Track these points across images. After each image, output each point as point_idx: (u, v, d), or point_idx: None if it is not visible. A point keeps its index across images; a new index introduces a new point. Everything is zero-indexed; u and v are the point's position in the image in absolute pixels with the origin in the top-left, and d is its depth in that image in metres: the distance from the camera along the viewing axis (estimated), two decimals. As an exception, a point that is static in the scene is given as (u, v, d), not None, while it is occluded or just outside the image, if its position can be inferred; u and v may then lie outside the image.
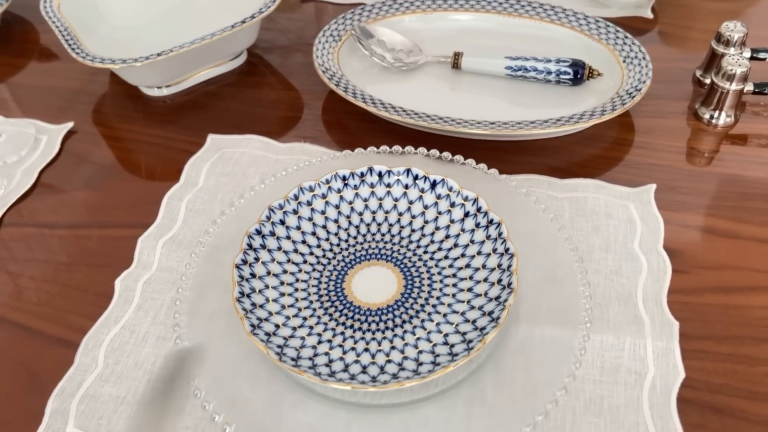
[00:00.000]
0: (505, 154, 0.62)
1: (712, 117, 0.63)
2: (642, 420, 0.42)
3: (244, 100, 0.71)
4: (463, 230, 0.51)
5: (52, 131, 0.66)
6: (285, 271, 0.50)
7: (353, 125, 0.67)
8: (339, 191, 0.54)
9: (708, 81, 0.65)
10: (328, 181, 0.53)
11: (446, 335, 0.46)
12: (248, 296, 0.47)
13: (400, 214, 0.54)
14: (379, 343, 0.46)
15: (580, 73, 0.65)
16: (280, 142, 0.64)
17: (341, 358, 0.45)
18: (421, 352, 0.45)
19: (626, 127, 0.65)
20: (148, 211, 0.57)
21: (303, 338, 0.46)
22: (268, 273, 0.49)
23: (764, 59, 0.65)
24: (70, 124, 0.67)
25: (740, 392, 0.44)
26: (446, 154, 0.56)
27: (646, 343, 0.46)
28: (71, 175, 0.62)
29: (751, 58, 0.64)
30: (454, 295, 0.48)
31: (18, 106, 0.72)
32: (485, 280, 0.48)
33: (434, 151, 0.57)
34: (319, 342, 0.46)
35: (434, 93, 0.68)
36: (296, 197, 0.52)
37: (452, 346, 0.45)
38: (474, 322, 0.46)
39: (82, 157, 0.64)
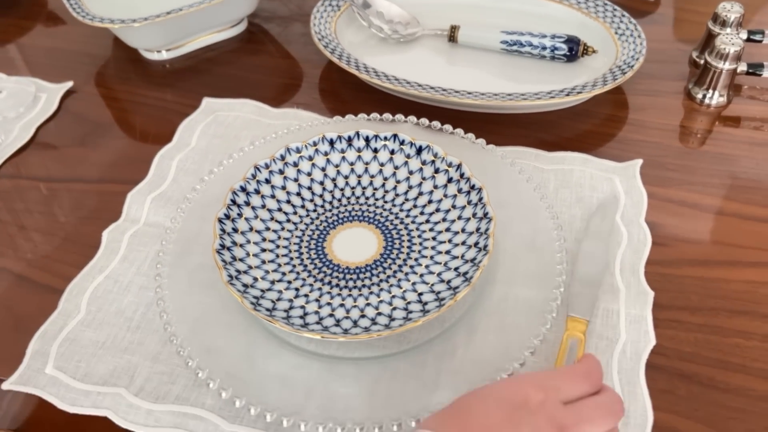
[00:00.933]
0: (497, 127, 0.62)
1: (704, 96, 0.63)
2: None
3: (242, 67, 0.71)
4: (445, 195, 0.52)
5: (51, 90, 0.67)
6: (268, 228, 0.51)
7: (348, 94, 0.67)
8: (326, 154, 0.54)
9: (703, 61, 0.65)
10: (315, 144, 0.54)
11: (421, 294, 0.46)
12: (229, 249, 0.48)
13: (385, 179, 0.54)
14: (355, 300, 0.46)
15: (574, 50, 0.65)
16: (273, 108, 0.64)
17: (316, 312, 0.46)
18: (395, 308, 0.46)
19: (620, 105, 0.65)
20: (139, 168, 0.58)
21: (280, 292, 0.47)
22: (251, 229, 0.50)
23: (760, 41, 0.64)
24: (69, 84, 0.68)
25: (710, 361, 0.44)
26: (435, 123, 0.57)
27: (619, 309, 0.46)
28: (68, 132, 0.64)
29: (748, 40, 0.64)
30: (432, 257, 0.49)
31: (23, 65, 0.73)
32: (463, 243, 0.49)
33: (423, 120, 0.57)
34: (296, 296, 0.47)
35: (430, 65, 0.68)
36: (282, 158, 0.53)
37: (425, 303, 0.45)
38: (449, 282, 0.46)
39: (80, 115, 0.65)
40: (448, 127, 0.57)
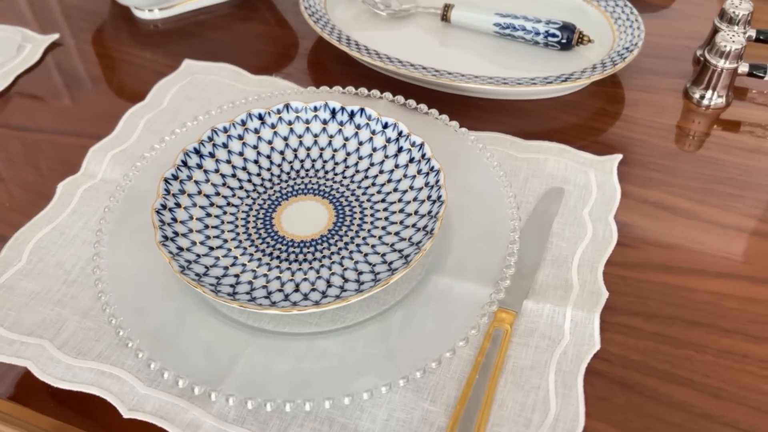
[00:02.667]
0: (481, 112, 0.60)
1: (702, 97, 0.59)
2: (544, 384, 0.41)
3: (232, 33, 0.70)
4: (386, 156, 0.50)
5: (37, 40, 0.67)
6: (218, 194, 0.49)
7: (334, 67, 0.66)
8: (257, 131, 0.52)
9: (708, 60, 0.62)
10: (243, 122, 0.52)
11: (360, 273, 0.44)
12: (171, 210, 0.47)
13: (322, 149, 0.53)
14: (305, 273, 0.45)
15: (568, 38, 0.62)
16: (252, 74, 0.63)
17: (264, 286, 0.44)
18: (347, 281, 0.44)
19: (614, 99, 0.62)
20: (108, 124, 0.58)
21: (217, 259, 0.45)
22: (199, 192, 0.49)
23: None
24: (55, 36, 0.68)
25: (656, 372, 0.42)
26: (410, 102, 0.55)
27: (566, 310, 0.44)
28: (45, 83, 0.63)
29: (756, 40, 0.60)
30: (380, 237, 0.47)
31: (15, 15, 0.73)
32: (413, 225, 0.47)
33: (399, 98, 0.55)
34: (233, 264, 0.45)
35: (420, 45, 0.66)
36: (210, 139, 0.51)
37: (362, 283, 0.44)
38: (390, 264, 0.45)
39: (61, 67, 0.65)
40: (423, 106, 0.54)
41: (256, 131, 0.52)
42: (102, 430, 0.40)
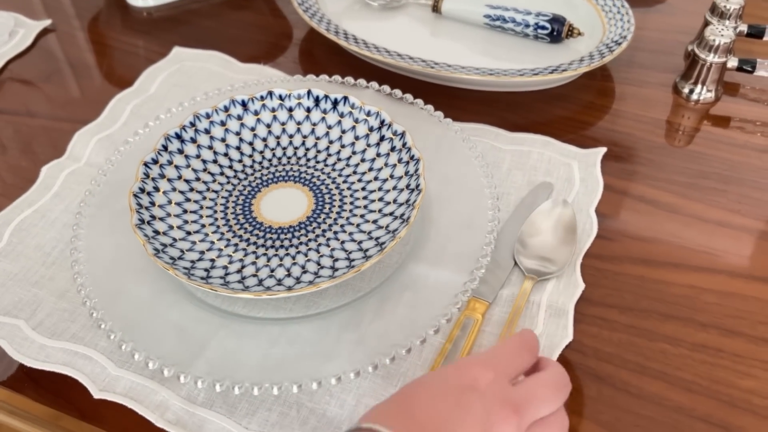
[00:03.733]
0: (468, 104, 0.59)
1: (691, 92, 0.59)
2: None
3: (224, 21, 0.70)
4: (368, 145, 0.50)
5: (29, 26, 0.67)
6: (198, 179, 0.49)
7: (324, 57, 0.66)
8: (239, 118, 0.52)
9: (699, 55, 0.61)
10: (226, 108, 0.52)
11: (336, 260, 0.44)
12: (149, 194, 0.47)
13: (305, 137, 0.52)
14: (281, 259, 0.45)
15: (558, 30, 0.61)
16: (240, 62, 0.63)
17: (239, 271, 0.44)
18: (321, 267, 0.44)
19: (604, 93, 0.61)
20: (94, 110, 0.58)
21: (194, 243, 0.45)
22: (179, 177, 0.49)
23: (761, 37, 0.60)
24: (47, 22, 0.68)
25: (629, 365, 0.41)
26: (396, 92, 0.54)
27: (541, 300, 0.44)
28: (35, 68, 0.64)
29: (748, 35, 0.60)
30: (358, 225, 0.47)
31: (7, 1, 0.73)
32: (391, 213, 0.47)
33: (385, 87, 0.55)
34: (209, 249, 0.45)
35: (411, 36, 0.66)
36: (193, 125, 0.51)
37: (336, 270, 0.44)
38: (366, 251, 0.45)
39: (51, 53, 0.65)
40: (408, 96, 0.54)
41: (239, 117, 0.52)
42: (73, 410, 0.40)
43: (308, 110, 0.53)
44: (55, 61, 0.64)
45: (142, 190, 0.46)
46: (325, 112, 0.53)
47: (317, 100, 0.53)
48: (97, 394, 0.40)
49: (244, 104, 0.52)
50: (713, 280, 0.45)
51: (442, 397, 0.31)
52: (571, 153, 0.54)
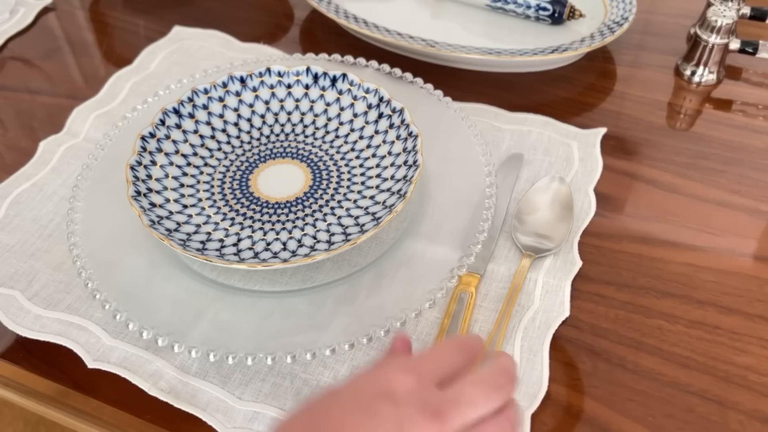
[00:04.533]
0: (468, 84, 0.59)
1: (693, 73, 0.58)
2: (509, 348, 0.40)
3: (225, 1, 0.70)
4: (367, 122, 0.50)
5: (30, 4, 0.67)
6: (195, 154, 0.49)
7: (325, 38, 0.65)
8: (237, 94, 0.52)
9: (702, 38, 0.61)
10: (225, 84, 0.51)
11: (332, 234, 0.44)
12: (146, 167, 0.47)
13: (303, 114, 0.52)
14: (277, 233, 0.45)
15: (559, 12, 0.61)
16: (240, 42, 0.63)
17: (235, 245, 0.44)
18: (318, 241, 0.44)
19: (605, 74, 0.61)
20: (94, 87, 0.58)
21: (190, 216, 0.45)
22: (177, 152, 0.49)
23: (764, 20, 0.59)
24: (48, 0, 0.68)
25: (625, 340, 0.41)
26: (396, 71, 0.54)
27: (537, 277, 0.43)
28: (35, 46, 0.64)
29: (751, 17, 0.59)
30: (355, 201, 0.47)
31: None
32: (389, 189, 0.46)
33: (384, 66, 0.55)
34: (206, 222, 0.45)
35: (413, 17, 0.65)
36: (191, 100, 0.51)
37: (332, 243, 0.44)
38: (362, 227, 0.44)
39: (51, 31, 0.65)
40: (408, 75, 0.54)
41: (237, 94, 0.52)
42: (67, 380, 0.40)
43: (306, 87, 0.53)
44: (55, 40, 0.64)
45: (139, 163, 0.46)
46: (323, 89, 0.52)
47: (316, 77, 0.52)
48: (91, 364, 0.40)
49: (242, 80, 0.52)
50: (711, 259, 0.45)
51: (351, 409, 0.28)
52: (571, 133, 0.53)
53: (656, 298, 0.43)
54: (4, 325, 0.42)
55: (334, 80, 0.52)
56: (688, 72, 0.59)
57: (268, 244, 0.44)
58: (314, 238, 0.44)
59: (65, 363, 0.40)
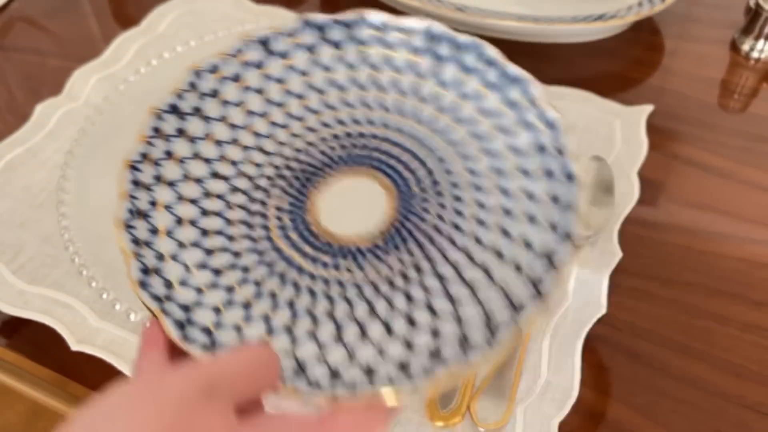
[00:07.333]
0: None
1: (752, 48, 0.52)
2: (537, 348, 0.36)
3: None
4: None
5: (38, -39, 0.64)
6: (205, 212, 0.31)
7: (348, 3, 0.61)
8: (259, 66, 0.34)
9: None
10: (239, 51, 0.33)
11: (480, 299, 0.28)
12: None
13: (403, 94, 0.34)
14: (362, 322, 0.28)
15: (605, -24, 0.55)
16: (254, 4, 0.58)
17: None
18: (411, 347, 0.27)
19: (653, 48, 0.55)
20: (98, 48, 0.54)
21: (218, 310, 0.28)
22: (179, 221, 0.31)
23: (835, -11, 0.53)
24: (56, -43, 0.64)
25: (669, 343, 0.36)
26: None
27: (571, 269, 0.39)
28: (40, 4, 0.60)
29: (820, -13, 0.53)
30: (505, 208, 0.30)
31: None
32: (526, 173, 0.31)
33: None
34: (246, 319, 0.28)
35: (442, -19, 0.60)
36: (194, 86, 0.33)
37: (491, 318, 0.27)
38: (530, 274, 0.27)
39: (59, -11, 0.62)
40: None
41: (214, 93, 0.33)
42: (51, 362, 0.37)
43: (416, 52, 0.34)
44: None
45: (135, 213, 0.30)
46: (440, 59, 0.34)
47: (432, 38, 0.34)
48: (74, 346, 0.36)
49: (214, 70, 0.33)
50: (770, 255, 0.40)
51: None
52: (614, 110, 0.48)
53: (706, 296, 0.38)
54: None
55: (458, 47, 0.34)
56: (746, 47, 0.53)
57: (350, 352, 0.27)
58: (411, 323, 0.28)
59: (50, 343, 0.37)
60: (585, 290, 0.38)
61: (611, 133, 0.47)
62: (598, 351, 0.36)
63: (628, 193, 0.43)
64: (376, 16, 0.34)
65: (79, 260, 0.38)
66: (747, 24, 0.53)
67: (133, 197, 0.30)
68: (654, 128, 0.48)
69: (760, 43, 0.52)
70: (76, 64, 0.53)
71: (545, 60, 0.54)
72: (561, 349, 0.36)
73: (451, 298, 0.28)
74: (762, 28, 0.51)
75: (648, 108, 0.48)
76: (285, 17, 0.57)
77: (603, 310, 0.37)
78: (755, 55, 0.53)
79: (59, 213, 0.40)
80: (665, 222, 0.42)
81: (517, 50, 0.54)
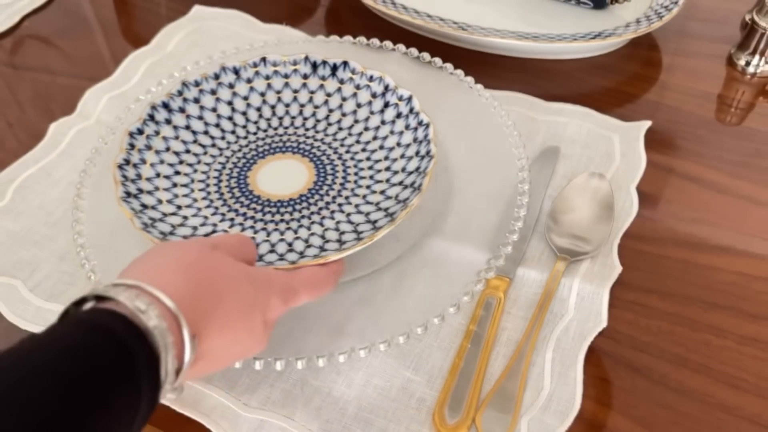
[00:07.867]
0: (502, 71, 0.55)
1: (747, 63, 0.54)
2: (539, 361, 0.37)
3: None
4: (372, 112, 0.47)
5: (48, -19, 0.65)
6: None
7: (351, 20, 0.62)
8: (231, 86, 0.48)
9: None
10: (217, 76, 0.48)
11: (357, 225, 0.41)
12: (135, 166, 0.43)
13: (302, 105, 0.49)
14: (282, 234, 0.41)
15: (603, -6, 0.57)
16: (262, 23, 0.60)
17: None
18: (327, 241, 0.41)
19: (651, 63, 0.57)
20: (110, 67, 0.56)
21: (185, 218, 0.42)
22: (167, 149, 0.45)
23: (829, 6, 0.54)
24: (66, -23, 0.66)
25: (668, 356, 0.37)
26: (424, 55, 0.51)
27: (572, 283, 0.40)
28: (52, 24, 0.61)
29: (814, 3, 0.54)
30: (364, 196, 0.43)
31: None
32: (401, 183, 0.43)
33: (412, 50, 0.51)
34: (203, 224, 0.42)
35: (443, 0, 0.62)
36: (180, 93, 0.47)
37: (360, 233, 0.40)
38: (387, 209, 0.41)
39: (69, 10, 0.63)
40: (437, 60, 0.50)
41: (231, 86, 0.48)
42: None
43: (305, 77, 0.49)
44: (72, 17, 0.62)
45: (128, 162, 0.43)
46: (323, 78, 0.49)
47: (315, 66, 0.49)
48: (91, 362, 0.37)
49: (236, 71, 0.48)
50: (766, 268, 0.41)
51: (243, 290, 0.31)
52: (613, 126, 0.49)
53: (704, 309, 0.39)
54: (4, 316, 0.40)
55: (334, 69, 0.48)
56: (742, 62, 0.54)
57: (273, 245, 0.41)
58: (323, 237, 0.41)
59: (65, 359, 0.38)
60: (586, 304, 0.39)
61: (610, 149, 0.48)
62: (600, 364, 0.37)
63: (627, 208, 0.44)
64: (272, 56, 0.49)
65: (95, 277, 0.39)
66: (743, 39, 0.54)
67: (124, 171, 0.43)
68: (651, 143, 0.49)
69: (756, 58, 0.53)
70: (87, 82, 0.54)
71: (545, 76, 0.55)
72: (563, 362, 0.37)
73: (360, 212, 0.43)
74: (758, 44, 0.53)
75: (646, 123, 0.49)
76: (291, 35, 0.58)
77: (604, 324, 0.38)
78: (751, 70, 0.54)
79: (75, 231, 0.41)
80: (663, 236, 0.43)
81: (518, 66, 0.56)
